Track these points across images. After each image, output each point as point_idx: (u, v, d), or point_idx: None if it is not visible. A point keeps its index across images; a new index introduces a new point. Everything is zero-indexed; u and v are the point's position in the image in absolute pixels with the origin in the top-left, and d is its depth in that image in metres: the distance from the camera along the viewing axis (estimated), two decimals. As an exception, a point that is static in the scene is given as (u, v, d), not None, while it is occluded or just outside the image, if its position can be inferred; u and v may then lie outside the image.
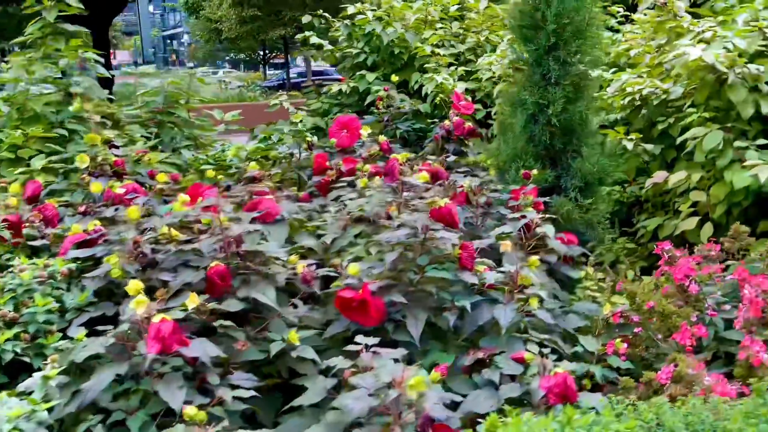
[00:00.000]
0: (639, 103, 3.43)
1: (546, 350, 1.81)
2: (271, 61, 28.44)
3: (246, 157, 3.21)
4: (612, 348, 2.21)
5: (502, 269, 2.07)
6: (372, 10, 4.78)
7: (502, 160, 3.14)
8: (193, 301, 1.72)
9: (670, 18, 3.25)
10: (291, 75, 24.60)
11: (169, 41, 50.13)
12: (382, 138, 3.57)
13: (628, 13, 4.67)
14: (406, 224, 2.07)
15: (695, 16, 3.60)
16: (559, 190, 3.05)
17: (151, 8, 50.54)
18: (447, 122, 3.78)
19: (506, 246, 2.12)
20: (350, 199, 2.50)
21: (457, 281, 2.03)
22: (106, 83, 4.65)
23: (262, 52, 25.75)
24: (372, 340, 1.72)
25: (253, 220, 2.24)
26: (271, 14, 17.14)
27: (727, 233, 2.45)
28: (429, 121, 4.15)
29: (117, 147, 2.52)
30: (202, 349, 1.59)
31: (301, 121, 3.43)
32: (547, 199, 2.86)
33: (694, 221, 2.92)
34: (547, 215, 2.66)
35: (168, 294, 1.80)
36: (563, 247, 2.51)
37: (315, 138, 3.62)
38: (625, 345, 2.23)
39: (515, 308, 1.99)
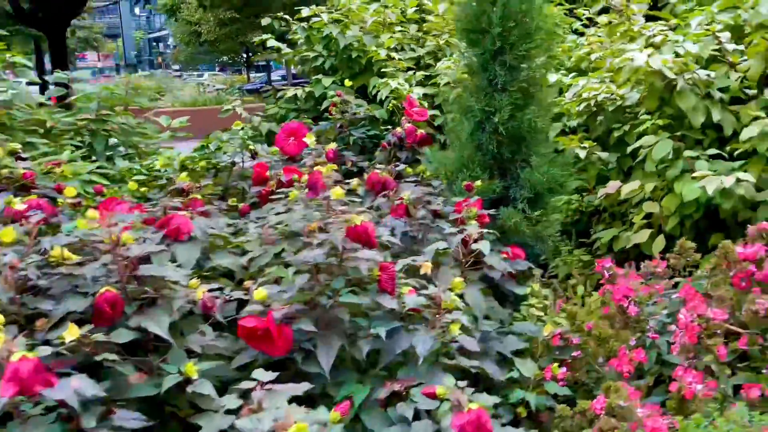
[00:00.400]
0: (595, 109, 3.30)
1: (463, 383, 1.66)
2: (255, 63, 28.24)
3: (180, 167, 3.03)
4: (550, 373, 2.08)
5: (425, 292, 1.91)
6: (329, 12, 4.62)
7: (449, 170, 2.99)
8: (72, 333, 1.55)
9: (624, 21, 3.11)
10: (274, 78, 24.37)
11: (155, 44, 49.66)
12: (332, 145, 3.42)
13: (593, 17, 4.54)
14: (324, 243, 1.92)
15: (654, 19, 3.46)
16: (508, 201, 2.91)
17: (137, 10, 50.12)
18: (399, 129, 3.63)
19: (426, 267, 1.97)
20: (276, 214, 2.34)
21: (377, 306, 1.89)
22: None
23: (245, 55, 25.52)
24: (269, 375, 1.56)
25: (164, 239, 2.09)
26: (250, 16, 16.93)
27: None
28: (383, 127, 4.00)
29: (24, 159, 2.35)
30: (70, 389, 1.42)
31: (242, 128, 3.26)
32: (493, 211, 2.72)
33: (646, 233, 2.78)
34: (491, 229, 2.51)
35: (48, 324, 1.63)
36: (503, 264, 2.36)
37: (260, 145, 3.45)
38: (564, 369, 2.10)
39: (437, 334, 1.84)
